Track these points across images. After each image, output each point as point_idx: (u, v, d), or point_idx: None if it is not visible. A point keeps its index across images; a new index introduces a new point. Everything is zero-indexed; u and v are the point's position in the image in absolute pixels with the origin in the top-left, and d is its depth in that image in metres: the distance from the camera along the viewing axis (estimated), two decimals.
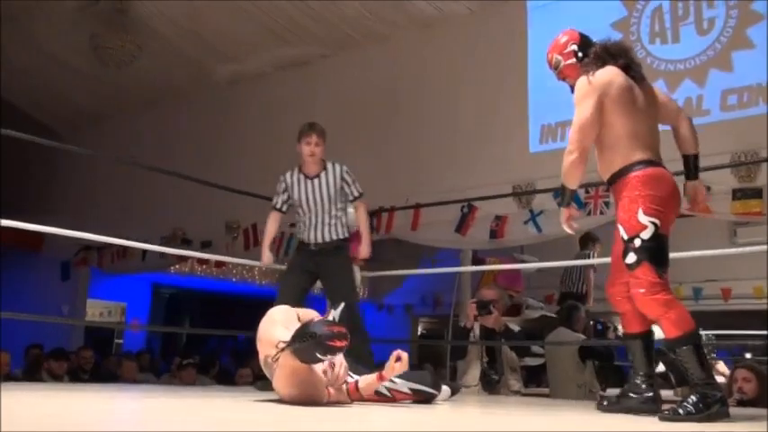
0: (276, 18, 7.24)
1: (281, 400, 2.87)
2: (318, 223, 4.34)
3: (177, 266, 10.27)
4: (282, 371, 2.77)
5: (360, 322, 4.17)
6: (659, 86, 5.49)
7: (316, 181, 4.34)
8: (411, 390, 3.17)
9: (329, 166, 4.39)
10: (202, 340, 12.30)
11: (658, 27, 5.61)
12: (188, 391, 4.18)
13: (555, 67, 3.12)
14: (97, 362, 8.33)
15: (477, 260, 7.11)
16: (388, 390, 3.11)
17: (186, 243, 8.13)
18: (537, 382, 6.73)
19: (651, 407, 2.72)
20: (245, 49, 7.79)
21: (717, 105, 5.24)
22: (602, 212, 5.33)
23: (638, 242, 2.64)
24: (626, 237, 2.68)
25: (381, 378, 3.00)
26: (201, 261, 9.79)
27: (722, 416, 2.50)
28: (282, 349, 2.70)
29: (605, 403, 2.79)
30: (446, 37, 6.79)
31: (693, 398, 2.50)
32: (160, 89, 8.61)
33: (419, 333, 13.87)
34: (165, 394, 3.36)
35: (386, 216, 6.41)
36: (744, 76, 5.18)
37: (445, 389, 3.47)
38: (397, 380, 3.13)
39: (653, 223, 2.64)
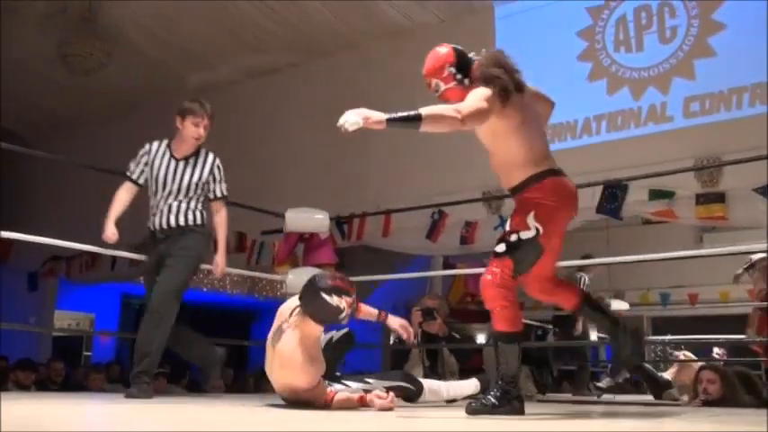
0: (246, 26, 7.25)
1: (273, 404, 2.87)
2: (173, 208, 3.84)
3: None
4: (294, 338, 2.85)
5: (168, 316, 3.66)
6: (624, 94, 5.67)
7: (182, 164, 3.86)
8: (387, 388, 3.17)
9: (203, 152, 3.93)
10: (173, 350, 12.15)
11: (623, 35, 5.74)
12: (161, 399, 4.15)
13: (435, 91, 3.03)
14: (66, 374, 8.23)
15: (448, 266, 7.17)
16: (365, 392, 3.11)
17: None
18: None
19: (518, 407, 2.72)
20: (215, 57, 7.79)
21: (680, 112, 5.37)
22: None
23: (514, 238, 2.72)
24: (507, 229, 2.78)
25: (362, 401, 2.96)
26: None
27: (518, 411, 2.67)
28: (293, 311, 2.86)
29: (474, 405, 2.71)
30: (416, 45, 6.81)
31: (496, 392, 2.68)
32: (131, 96, 8.56)
33: (391, 341, 13.86)
34: (140, 402, 3.34)
35: (357, 222, 6.43)
36: (706, 83, 5.31)
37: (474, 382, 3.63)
38: (371, 380, 3.17)
39: (536, 228, 2.71)
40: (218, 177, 3.96)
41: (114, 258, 8.05)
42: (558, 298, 3.06)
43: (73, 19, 6.96)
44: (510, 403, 2.66)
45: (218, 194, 3.96)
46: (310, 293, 2.94)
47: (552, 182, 2.78)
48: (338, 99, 7.31)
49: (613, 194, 5.28)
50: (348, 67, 7.29)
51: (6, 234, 4.36)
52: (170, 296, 3.66)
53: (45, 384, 6.82)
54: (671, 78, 5.46)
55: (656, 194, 5.17)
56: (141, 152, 3.94)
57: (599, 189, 5.27)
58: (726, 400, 4.38)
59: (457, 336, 5.11)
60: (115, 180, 7.47)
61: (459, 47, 2.99)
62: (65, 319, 11.49)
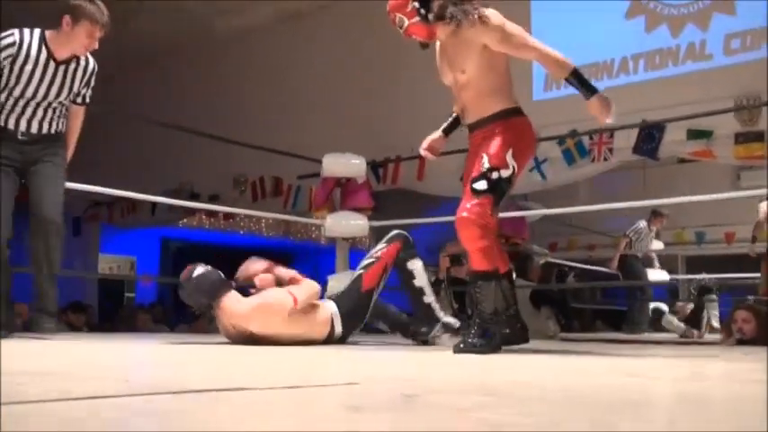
0: None
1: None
2: (47, 114, 3.48)
3: (185, 220, 10.39)
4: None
5: (53, 253, 3.57)
6: (662, 32, 5.55)
7: (61, 68, 3.44)
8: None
9: (83, 56, 3.52)
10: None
11: None
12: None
13: (399, 26, 3.04)
14: (112, 314, 8.55)
15: None
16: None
17: (194, 197, 8.23)
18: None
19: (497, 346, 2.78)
20: (243, 2, 7.76)
21: (720, 50, 5.26)
22: (605, 159, 5.40)
23: (495, 175, 2.71)
24: (487, 165, 2.73)
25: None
26: (210, 214, 9.90)
27: (496, 349, 2.72)
28: None
29: (462, 345, 2.75)
30: None
31: (476, 330, 2.75)
32: (161, 45, 8.59)
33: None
34: (202, 340, 3.50)
35: (392, 167, 6.48)
36: (747, 19, 5.17)
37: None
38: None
39: (514, 167, 2.75)
40: (91, 83, 3.65)
41: (154, 203, 8.25)
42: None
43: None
44: (491, 342, 2.71)
45: (87, 101, 3.70)
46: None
47: (525, 121, 2.85)
48: (369, 40, 7.27)
49: (650, 135, 5.24)
50: (378, 7, 7.20)
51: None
52: (60, 207, 3.57)
53: (94, 324, 7.11)
54: (711, 14, 5.32)
55: (694, 134, 5.12)
56: (6, 41, 3.30)
57: (634, 129, 5.23)
58: (760, 339, 4.42)
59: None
60: (149, 128, 7.64)
61: None
62: (107, 263, 11.82)
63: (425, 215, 8.36)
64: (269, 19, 7.98)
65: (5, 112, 3.39)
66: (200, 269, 3.19)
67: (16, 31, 3.32)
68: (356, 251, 8.33)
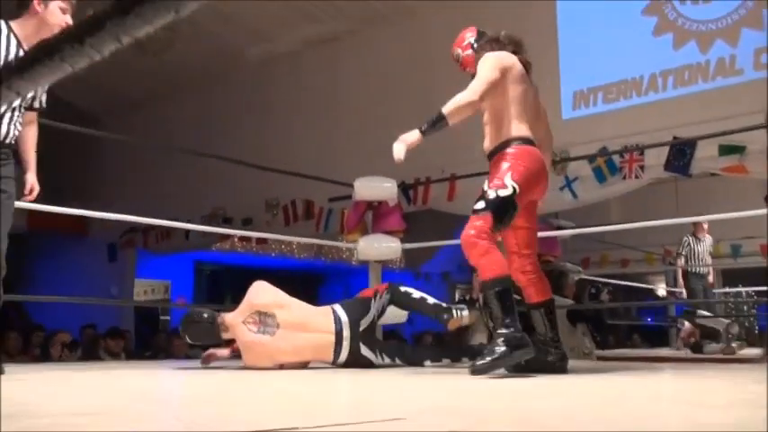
0: None
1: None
2: (14, 118, 2.95)
3: (219, 244, 10.53)
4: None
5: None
6: (691, 48, 5.55)
7: None
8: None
9: None
10: None
11: None
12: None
13: (456, 59, 3.36)
14: (148, 339, 8.68)
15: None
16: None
17: (227, 221, 8.35)
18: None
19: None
20: (274, 29, 7.90)
21: (750, 64, 5.23)
22: (637, 176, 5.38)
23: (492, 195, 2.86)
24: (485, 188, 2.91)
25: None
26: (242, 238, 10.02)
27: (524, 355, 2.73)
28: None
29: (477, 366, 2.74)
30: (474, 6, 6.81)
31: (499, 342, 2.72)
32: (195, 73, 8.76)
33: (456, 299, 14.04)
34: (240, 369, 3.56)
35: (422, 188, 6.52)
36: None
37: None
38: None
39: (513, 187, 2.85)
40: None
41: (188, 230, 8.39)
42: (530, 284, 3.10)
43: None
44: (517, 350, 2.70)
45: (44, 105, 3.17)
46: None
47: (528, 149, 2.96)
48: (397, 66, 7.37)
49: (681, 151, 5.22)
50: (407, 32, 7.30)
51: (87, 213, 4.68)
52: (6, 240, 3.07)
53: (135, 352, 7.22)
54: (740, 29, 5.31)
55: (725, 150, 5.09)
56: None
57: (665, 146, 5.22)
58: None
59: (518, 297, 5.25)
60: (183, 155, 7.79)
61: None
62: (142, 287, 12.01)
63: (456, 234, 8.38)
64: (299, 45, 8.11)
65: None
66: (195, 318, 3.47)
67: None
68: (389, 271, 8.39)
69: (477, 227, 2.81)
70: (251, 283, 3.64)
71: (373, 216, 5.58)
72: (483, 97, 2.96)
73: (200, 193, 8.53)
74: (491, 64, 3.01)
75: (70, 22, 2.92)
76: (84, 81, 9.38)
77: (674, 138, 5.16)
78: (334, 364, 3.45)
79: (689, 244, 7.55)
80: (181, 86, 9.18)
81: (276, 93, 8.35)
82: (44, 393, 2.20)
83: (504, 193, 2.84)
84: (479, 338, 5.17)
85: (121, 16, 0.64)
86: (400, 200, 6.00)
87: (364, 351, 3.47)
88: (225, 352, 3.53)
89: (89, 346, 7.11)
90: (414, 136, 3.03)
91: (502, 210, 2.83)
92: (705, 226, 7.53)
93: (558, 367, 2.96)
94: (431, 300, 3.76)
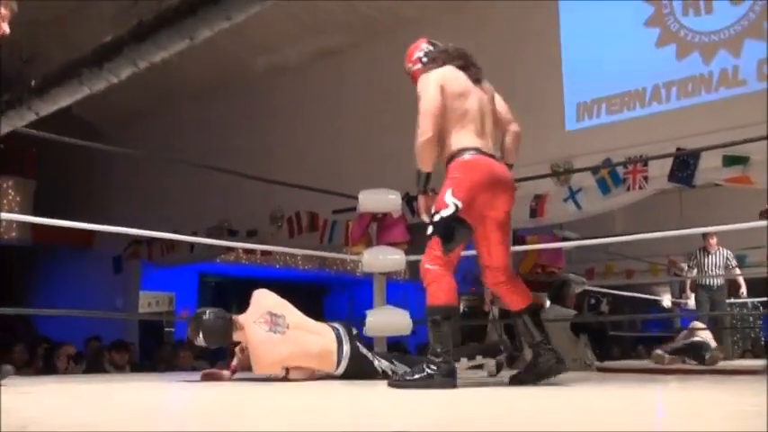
0: (307, 8, 7.37)
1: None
2: None
3: (223, 256, 10.55)
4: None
5: None
6: (694, 59, 5.58)
7: None
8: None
9: None
10: None
11: None
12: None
13: (408, 73, 3.39)
14: (152, 351, 8.68)
15: (516, 238, 7.21)
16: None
17: (232, 234, 8.37)
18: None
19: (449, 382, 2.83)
20: (279, 42, 7.95)
21: (753, 75, 5.25)
22: (641, 187, 5.39)
23: (437, 217, 2.85)
24: (432, 211, 2.90)
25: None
26: (247, 250, 10.05)
27: (446, 385, 2.73)
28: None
29: (395, 379, 2.92)
30: (477, 18, 6.86)
31: (422, 367, 2.80)
32: (200, 85, 8.82)
33: (461, 311, 14.02)
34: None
35: None
36: None
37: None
38: (396, 362, 3.51)
39: (455, 204, 2.82)
40: None
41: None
42: (508, 293, 3.10)
43: (144, 11, 7.20)
44: (437, 378, 2.74)
45: None
46: None
47: (469, 161, 2.89)
48: (401, 78, 7.37)
49: (685, 162, 5.23)
50: (410, 44, 7.34)
51: (92, 226, 4.68)
52: None
53: (140, 365, 7.22)
54: (743, 40, 5.33)
55: (729, 160, 5.10)
56: None
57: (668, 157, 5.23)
58: None
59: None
60: (187, 167, 7.83)
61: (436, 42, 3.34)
62: (147, 299, 12.03)
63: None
64: (304, 57, 8.16)
65: None
66: (208, 313, 3.39)
67: None
68: (393, 282, 8.39)
69: (428, 254, 2.85)
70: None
71: (378, 228, 5.58)
72: (433, 129, 2.93)
73: (205, 206, 8.56)
74: (428, 92, 3.01)
75: (7, 30, 2.82)
76: (89, 95, 9.46)
77: (678, 149, 5.17)
78: (336, 370, 3.45)
79: (695, 257, 7.61)
80: (186, 99, 9.23)
81: (281, 105, 8.39)
82: (51, 406, 2.21)
83: (445, 212, 2.82)
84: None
85: (138, 42, 0.66)
86: (405, 212, 6.01)
87: (363, 350, 3.50)
88: (226, 373, 3.53)
89: (94, 358, 7.11)
90: (422, 201, 2.99)
91: (447, 230, 2.83)
92: (713, 240, 7.54)
93: (554, 369, 2.95)
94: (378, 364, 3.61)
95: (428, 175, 2.95)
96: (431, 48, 3.31)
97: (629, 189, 5.45)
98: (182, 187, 8.85)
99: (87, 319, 8.40)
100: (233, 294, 14.30)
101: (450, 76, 3.07)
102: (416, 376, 2.79)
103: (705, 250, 7.58)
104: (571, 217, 6.09)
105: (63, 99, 0.79)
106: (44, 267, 11.72)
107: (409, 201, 6.46)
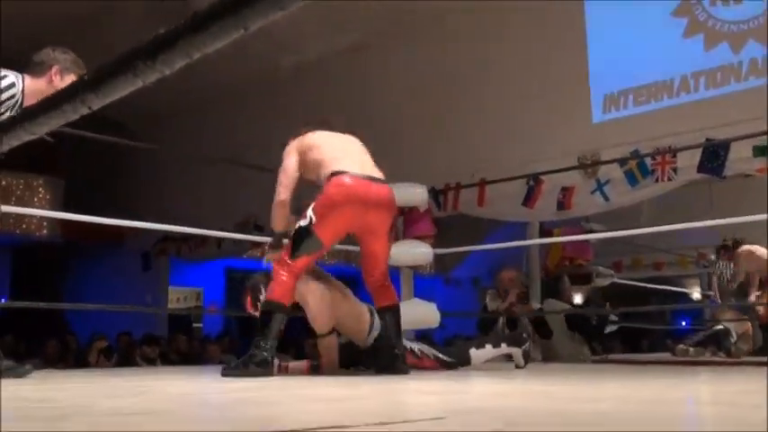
0: (330, 5, 7.39)
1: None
2: None
3: (250, 251, 10.63)
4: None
5: None
6: (722, 49, 5.51)
7: None
8: (435, 357, 3.69)
9: None
10: None
11: None
12: None
13: None
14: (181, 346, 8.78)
15: (543, 231, 7.19)
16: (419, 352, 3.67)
17: (258, 229, 8.43)
18: (610, 348, 6.81)
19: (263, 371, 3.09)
20: (304, 39, 7.97)
21: None
22: (669, 178, 5.34)
23: (296, 226, 3.23)
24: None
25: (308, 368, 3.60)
26: None
27: (260, 374, 3.01)
28: None
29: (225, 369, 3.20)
30: (502, 11, 6.82)
31: (246, 356, 3.10)
32: (225, 84, 8.88)
33: (487, 303, 13.97)
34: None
35: (452, 193, 6.54)
36: None
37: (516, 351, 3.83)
38: (423, 347, 3.73)
39: (310, 218, 3.17)
40: None
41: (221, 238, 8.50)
42: (374, 292, 3.53)
43: (170, 10, 7.27)
44: (255, 366, 3.02)
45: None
46: None
47: (333, 180, 3.24)
48: (426, 72, 7.40)
49: (715, 153, 5.16)
50: (436, 38, 7.33)
51: (123, 222, 4.81)
52: None
53: (166, 357, 7.33)
54: None
55: (760, 150, 5.02)
56: (11, 86, 2.96)
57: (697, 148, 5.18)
58: None
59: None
60: (215, 164, 7.90)
61: None
62: (175, 294, 12.17)
63: (488, 239, 8.39)
64: (328, 54, 8.18)
65: None
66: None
67: (15, 77, 3.00)
68: (420, 277, 8.40)
69: (281, 256, 3.21)
70: None
71: (404, 222, 5.61)
72: (286, 191, 3.44)
73: (232, 202, 8.63)
74: (285, 161, 3.54)
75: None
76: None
77: (707, 139, 5.12)
78: (368, 338, 3.49)
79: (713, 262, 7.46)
80: (211, 98, 9.30)
81: (306, 102, 8.42)
82: (88, 395, 2.26)
83: (302, 222, 3.19)
84: None
85: (192, 34, 0.69)
86: (431, 205, 6.03)
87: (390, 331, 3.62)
88: (302, 364, 3.57)
89: (125, 352, 7.23)
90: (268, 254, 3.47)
91: (297, 238, 3.17)
92: (730, 254, 7.19)
93: (395, 368, 3.25)
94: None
95: (281, 236, 3.38)
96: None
97: (657, 180, 5.40)
98: (208, 185, 8.94)
99: (117, 315, 8.52)
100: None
101: (301, 141, 3.63)
102: (235, 367, 3.12)
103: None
104: (599, 209, 6.05)
105: (116, 92, 0.82)
106: (74, 265, 11.90)
107: (435, 195, 6.49)
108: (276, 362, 3.47)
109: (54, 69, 3.12)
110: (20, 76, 3.06)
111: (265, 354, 3.06)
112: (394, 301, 3.56)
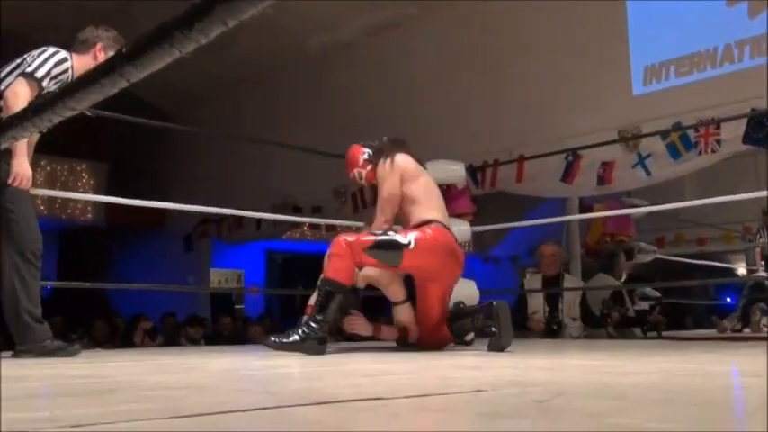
0: None
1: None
2: None
3: (289, 233, 10.73)
4: None
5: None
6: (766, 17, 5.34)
7: None
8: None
9: None
10: None
11: None
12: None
13: (360, 179, 3.81)
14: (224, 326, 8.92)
15: (583, 207, 7.10)
16: None
17: (297, 210, 8.49)
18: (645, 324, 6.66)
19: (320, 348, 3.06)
20: (336, 18, 7.95)
21: None
22: (713, 151, 5.21)
23: (394, 235, 3.26)
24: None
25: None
26: (312, 226, 10.18)
27: (316, 351, 2.98)
28: None
29: (274, 340, 3.08)
30: None
31: (297, 330, 3.04)
32: (259, 65, 8.92)
33: (523, 282, 13.87)
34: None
35: (490, 171, 6.49)
36: None
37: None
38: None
39: (410, 241, 3.21)
40: None
41: (259, 219, 8.60)
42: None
43: None
44: (312, 342, 2.99)
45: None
46: None
47: (437, 228, 3.39)
48: (460, 49, 7.32)
49: (760, 123, 5.03)
50: (469, 14, 7.24)
51: (166, 205, 4.91)
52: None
53: (211, 338, 7.45)
54: None
55: None
56: (64, 61, 3.10)
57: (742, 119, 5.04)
58: None
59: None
60: (253, 146, 7.97)
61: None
62: (217, 276, 12.34)
63: (528, 216, 8.31)
64: (362, 33, 8.15)
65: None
66: None
67: (65, 53, 3.13)
68: None
69: (358, 239, 3.22)
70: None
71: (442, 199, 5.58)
72: (387, 215, 3.51)
73: (269, 184, 8.70)
74: (386, 174, 3.50)
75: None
76: (153, 78, 9.65)
77: (752, 110, 4.98)
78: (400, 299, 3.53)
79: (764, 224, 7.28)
80: (246, 80, 9.36)
81: (339, 82, 8.42)
82: (135, 372, 2.31)
83: (401, 239, 3.23)
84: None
85: (230, 0, 0.69)
86: (468, 183, 5.99)
87: None
88: (394, 330, 3.58)
89: (169, 333, 7.37)
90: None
91: (387, 244, 3.21)
92: None
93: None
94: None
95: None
96: (369, 147, 3.77)
97: (700, 153, 5.28)
98: (246, 167, 9.01)
99: (161, 297, 8.69)
100: (299, 271, 14.55)
101: (408, 162, 3.56)
102: (285, 341, 3.01)
103: None
104: (640, 184, 5.95)
105: (154, 64, 0.82)
106: (118, 248, 12.14)
107: (473, 172, 6.45)
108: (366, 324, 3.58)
109: (98, 47, 3.20)
110: (69, 53, 3.16)
111: (323, 333, 3.05)
112: None
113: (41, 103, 1.15)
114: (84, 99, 1.05)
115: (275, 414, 1.17)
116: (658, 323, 6.35)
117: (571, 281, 5.84)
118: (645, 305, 6.20)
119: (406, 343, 3.51)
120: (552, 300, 5.50)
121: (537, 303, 5.56)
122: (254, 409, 1.21)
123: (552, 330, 5.35)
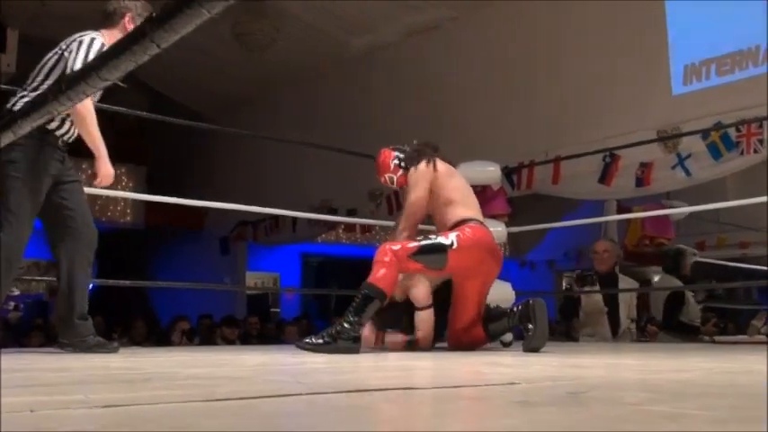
0: None
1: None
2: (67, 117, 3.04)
3: (324, 236, 10.77)
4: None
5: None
6: None
7: None
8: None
9: None
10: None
11: None
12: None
13: (392, 183, 3.83)
14: (260, 328, 9.00)
15: (621, 209, 6.99)
16: None
17: (332, 212, 8.53)
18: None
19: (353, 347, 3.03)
20: (374, 20, 7.97)
21: None
22: (756, 151, 5.10)
23: (436, 239, 3.27)
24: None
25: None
26: (347, 229, 10.22)
27: (348, 351, 2.94)
28: None
29: (306, 341, 3.08)
30: None
31: (329, 331, 3.03)
32: (297, 68, 8.98)
33: (563, 288, 13.72)
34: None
35: (526, 172, 6.43)
36: None
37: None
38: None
39: (453, 241, 3.23)
40: None
41: (294, 220, 8.65)
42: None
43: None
44: (345, 341, 2.96)
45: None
46: None
47: (474, 226, 3.40)
48: (497, 49, 7.28)
49: None
50: (509, 16, 7.20)
51: (205, 203, 4.98)
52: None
53: (246, 338, 7.52)
54: None
55: None
56: (102, 47, 2.97)
57: None
58: None
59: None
60: (290, 149, 8.03)
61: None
62: (253, 279, 12.46)
63: (565, 218, 8.22)
64: (400, 35, 8.16)
65: (59, 122, 2.98)
66: None
67: (97, 36, 3.05)
68: None
69: (402, 247, 3.21)
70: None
71: (478, 201, 5.55)
72: (413, 222, 3.54)
73: (306, 187, 8.75)
74: (416, 180, 3.52)
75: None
76: (191, 82, 9.84)
77: None
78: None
79: None
80: (283, 82, 9.43)
81: (378, 84, 8.43)
82: (170, 365, 2.34)
83: (444, 240, 3.25)
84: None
85: None
86: (504, 184, 5.95)
87: None
88: (398, 337, 3.56)
89: (206, 334, 7.45)
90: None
91: (430, 248, 3.22)
92: None
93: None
94: None
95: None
96: (398, 152, 3.78)
97: (742, 153, 5.16)
98: (283, 170, 9.08)
99: (198, 300, 8.81)
100: (334, 273, 14.60)
101: (438, 166, 3.55)
102: (318, 342, 3.01)
103: None
104: (680, 185, 5.83)
105: (184, 27, 0.82)
106: (156, 250, 12.33)
107: (508, 173, 6.40)
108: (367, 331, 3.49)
109: (127, 17, 3.12)
110: (98, 33, 3.08)
111: (356, 333, 3.03)
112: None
113: (73, 76, 1.17)
114: (115, 68, 1.05)
115: (305, 399, 1.17)
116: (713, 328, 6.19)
117: (626, 281, 5.59)
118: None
119: (412, 346, 3.48)
120: (612, 300, 5.24)
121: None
122: (285, 395, 1.21)
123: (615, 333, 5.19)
